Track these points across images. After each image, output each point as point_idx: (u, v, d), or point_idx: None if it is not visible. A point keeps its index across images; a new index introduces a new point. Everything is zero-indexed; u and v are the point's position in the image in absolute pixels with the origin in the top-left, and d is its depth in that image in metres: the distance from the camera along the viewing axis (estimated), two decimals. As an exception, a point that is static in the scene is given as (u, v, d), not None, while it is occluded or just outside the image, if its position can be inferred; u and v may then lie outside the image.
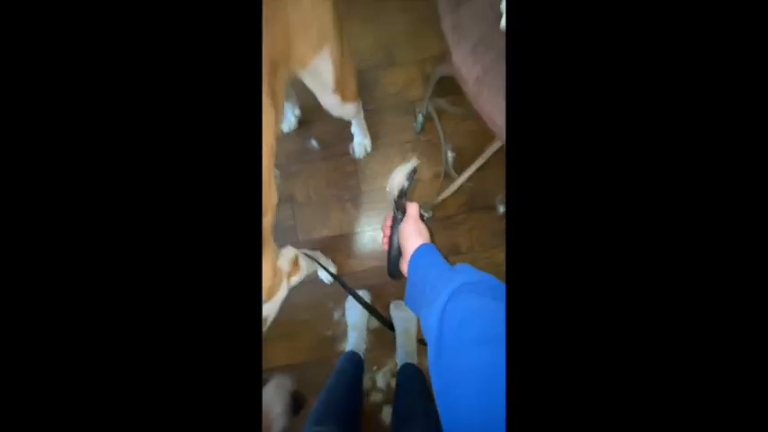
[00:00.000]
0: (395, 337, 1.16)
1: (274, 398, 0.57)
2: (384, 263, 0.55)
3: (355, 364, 1.04)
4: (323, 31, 0.67)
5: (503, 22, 0.60)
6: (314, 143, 1.20)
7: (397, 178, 0.55)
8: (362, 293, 1.17)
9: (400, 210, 0.54)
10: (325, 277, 1.15)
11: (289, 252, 0.80)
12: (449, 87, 0.93)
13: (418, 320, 1.15)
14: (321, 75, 0.74)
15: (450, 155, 1.17)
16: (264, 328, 0.77)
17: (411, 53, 1.21)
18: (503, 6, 0.60)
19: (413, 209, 0.54)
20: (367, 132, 1.15)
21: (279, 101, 0.62)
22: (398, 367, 1.10)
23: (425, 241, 0.51)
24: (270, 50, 0.58)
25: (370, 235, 1.21)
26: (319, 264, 0.86)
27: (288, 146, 1.19)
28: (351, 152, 1.19)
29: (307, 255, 0.88)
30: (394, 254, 0.53)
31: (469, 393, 0.31)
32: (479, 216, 1.19)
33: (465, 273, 0.43)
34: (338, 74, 0.75)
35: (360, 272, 1.20)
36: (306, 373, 1.20)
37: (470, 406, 0.30)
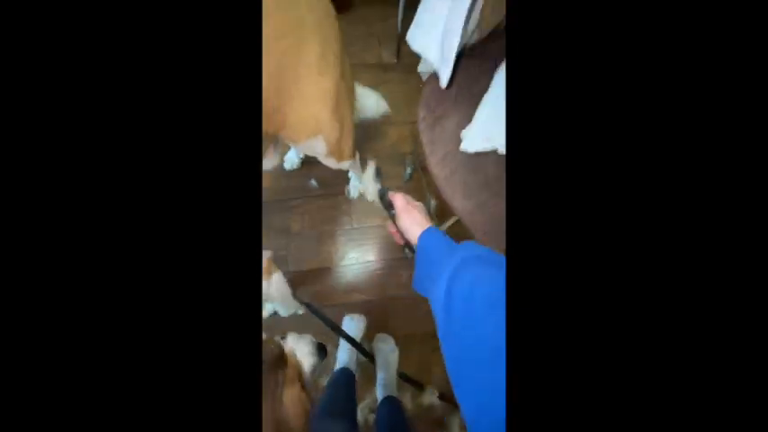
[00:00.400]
0: (375, 371, 1.17)
1: (299, 342, 0.59)
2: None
3: (347, 375, 1.04)
4: (319, 125, 0.77)
5: (462, 145, 0.78)
6: (313, 182, 1.32)
7: (370, 186, 0.61)
8: (357, 318, 1.20)
9: (390, 208, 0.57)
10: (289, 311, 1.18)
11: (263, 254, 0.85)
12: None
13: (398, 355, 1.17)
14: (314, 149, 0.85)
15: (432, 203, 1.31)
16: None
17: (405, 115, 1.41)
18: (462, 133, 0.78)
19: (399, 200, 0.56)
20: (362, 177, 1.29)
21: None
22: (378, 402, 1.09)
23: (424, 226, 0.53)
24: (264, 125, 0.67)
25: (357, 268, 1.27)
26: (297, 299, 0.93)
27: (289, 182, 1.31)
28: (346, 193, 1.31)
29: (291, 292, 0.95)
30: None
31: (482, 360, 0.30)
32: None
33: (469, 248, 0.43)
34: (333, 147, 0.85)
35: (346, 304, 1.24)
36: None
37: (483, 375, 0.29)
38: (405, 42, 1.43)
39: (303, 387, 0.56)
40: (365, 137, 1.37)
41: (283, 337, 0.62)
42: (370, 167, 0.63)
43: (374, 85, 1.43)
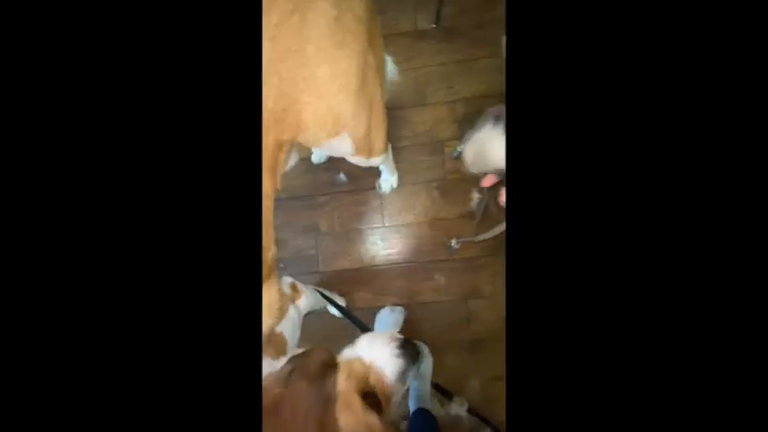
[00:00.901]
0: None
1: (374, 342, 0.48)
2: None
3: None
4: (340, 121, 0.61)
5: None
6: (342, 176, 1.23)
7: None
8: (398, 310, 1.15)
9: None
10: (335, 312, 1.15)
11: (285, 280, 0.83)
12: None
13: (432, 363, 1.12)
14: (338, 149, 0.70)
15: (480, 200, 1.15)
16: (285, 348, 0.76)
17: (442, 94, 1.22)
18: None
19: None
20: (394, 170, 1.16)
21: (278, 172, 0.60)
22: (410, 413, 1.06)
23: None
24: (276, 133, 0.54)
25: (389, 270, 1.20)
26: (325, 296, 0.87)
27: (316, 177, 1.23)
28: (377, 187, 1.20)
29: (318, 291, 0.89)
30: None
31: None
32: (503, 261, 1.16)
33: None
34: (360, 144, 0.70)
35: (377, 307, 1.19)
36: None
37: None
38: (445, 3, 1.20)
39: (380, 409, 0.44)
40: (393, 124, 1.22)
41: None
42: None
43: (406, 59, 1.24)
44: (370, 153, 0.77)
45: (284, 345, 0.74)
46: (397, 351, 0.49)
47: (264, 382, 0.42)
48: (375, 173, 1.20)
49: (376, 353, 0.48)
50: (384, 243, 1.21)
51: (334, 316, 1.16)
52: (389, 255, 1.20)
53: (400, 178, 1.19)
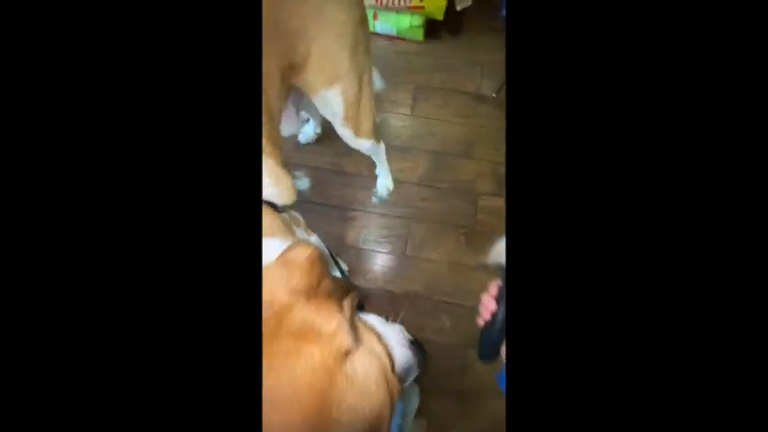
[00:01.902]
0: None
1: (385, 326, 0.44)
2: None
3: None
4: (336, 70, 0.72)
5: None
6: (376, 199, 1.28)
7: (499, 248, 0.53)
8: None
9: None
10: (337, 275, 1.12)
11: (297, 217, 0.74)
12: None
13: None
14: (331, 105, 0.79)
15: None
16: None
17: (488, 153, 1.33)
18: None
19: None
20: (389, 173, 1.24)
21: (276, 106, 0.66)
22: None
23: None
24: (283, 66, 0.64)
25: (401, 298, 1.21)
26: (332, 256, 0.83)
27: (354, 193, 1.28)
28: (374, 194, 1.26)
29: (327, 249, 0.86)
30: (496, 331, 0.47)
31: None
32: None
33: None
34: (350, 110, 0.79)
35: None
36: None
37: None
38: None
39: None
40: (437, 166, 1.31)
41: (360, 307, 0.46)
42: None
43: (465, 115, 1.37)
44: (357, 128, 0.86)
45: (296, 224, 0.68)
46: (408, 343, 0.49)
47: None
48: (408, 203, 1.26)
49: (388, 336, 0.46)
50: (401, 271, 1.23)
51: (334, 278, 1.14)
52: (403, 283, 1.22)
53: (431, 218, 1.25)
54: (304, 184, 1.27)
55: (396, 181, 1.29)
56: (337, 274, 1.11)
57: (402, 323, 0.97)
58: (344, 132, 0.88)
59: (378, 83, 1.08)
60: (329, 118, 0.85)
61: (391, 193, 1.27)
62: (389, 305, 1.20)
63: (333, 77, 0.73)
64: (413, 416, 1.11)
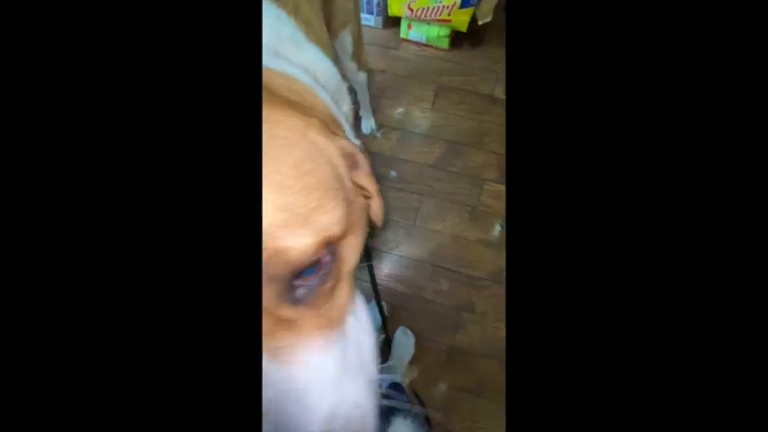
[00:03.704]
0: (389, 359, 1.23)
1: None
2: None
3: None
4: (348, 15, 0.95)
5: None
6: (393, 173, 1.46)
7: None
8: (410, 334, 1.29)
9: None
10: None
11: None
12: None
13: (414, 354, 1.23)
14: (345, 45, 1.01)
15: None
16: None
17: (496, 146, 1.50)
18: None
19: None
20: (372, 115, 1.47)
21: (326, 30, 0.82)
22: (383, 388, 1.14)
23: None
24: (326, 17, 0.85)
25: (406, 261, 1.37)
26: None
27: (374, 169, 1.47)
28: (363, 128, 1.49)
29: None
30: None
31: None
32: (503, 290, 1.32)
33: None
34: (356, 46, 1.02)
35: (382, 287, 1.33)
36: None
37: None
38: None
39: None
40: (450, 153, 1.49)
41: None
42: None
43: (478, 112, 1.56)
44: (359, 61, 1.09)
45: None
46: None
47: None
48: (422, 181, 1.44)
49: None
50: (409, 238, 1.39)
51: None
52: (410, 249, 1.38)
53: (439, 196, 1.43)
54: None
55: (413, 163, 1.48)
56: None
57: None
58: (351, 66, 1.10)
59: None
60: (341, 56, 1.07)
61: (373, 131, 1.50)
62: (392, 267, 1.36)
63: (345, 20, 0.93)
64: (406, 362, 1.24)
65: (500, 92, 1.58)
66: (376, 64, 1.62)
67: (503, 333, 1.28)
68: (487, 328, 1.30)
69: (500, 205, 1.41)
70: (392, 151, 1.50)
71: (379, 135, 1.51)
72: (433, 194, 1.44)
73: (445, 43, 1.61)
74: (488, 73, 1.60)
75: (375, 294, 0.95)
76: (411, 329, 1.28)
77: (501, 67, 1.61)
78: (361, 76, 1.21)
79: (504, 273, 1.32)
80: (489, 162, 1.49)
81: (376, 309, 1.21)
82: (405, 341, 1.26)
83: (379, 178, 1.43)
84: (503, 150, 1.50)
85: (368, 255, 0.99)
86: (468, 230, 1.39)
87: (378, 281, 1.35)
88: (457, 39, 1.63)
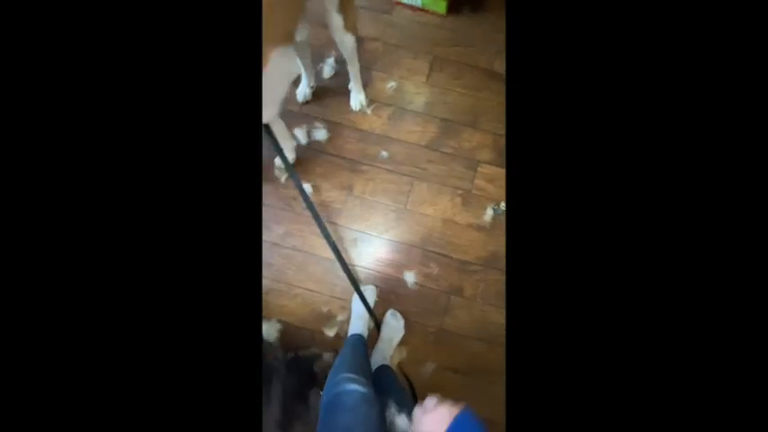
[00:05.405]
0: (377, 341, 1.27)
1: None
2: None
3: (364, 344, 1.14)
4: None
5: None
6: (385, 154, 1.41)
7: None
8: (370, 288, 1.30)
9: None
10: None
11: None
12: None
13: (402, 336, 1.26)
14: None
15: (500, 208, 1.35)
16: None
17: (492, 125, 1.44)
18: None
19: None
20: (362, 89, 1.41)
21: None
22: (373, 369, 1.19)
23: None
24: None
25: (397, 245, 1.36)
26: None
27: (366, 148, 1.41)
28: (352, 105, 1.43)
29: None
30: None
31: None
32: (493, 274, 1.34)
33: None
34: (343, 1, 1.00)
35: (373, 271, 1.34)
36: (288, 333, 1.31)
37: None
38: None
39: None
40: (445, 132, 1.43)
41: None
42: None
43: (476, 89, 1.47)
44: (346, 19, 1.06)
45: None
46: None
47: None
48: (414, 163, 1.39)
49: None
50: (400, 221, 1.38)
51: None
52: (401, 232, 1.37)
53: (433, 178, 1.39)
54: (322, 135, 1.41)
55: (405, 143, 1.43)
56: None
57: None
58: (337, 21, 1.06)
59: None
60: (327, 6, 1.02)
61: (363, 107, 1.44)
62: (384, 251, 1.36)
63: None
64: (396, 343, 1.28)
65: (500, 65, 1.48)
66: (366, 31, 1.50)
67: (491, 316, 1.32)
68: (475, 311, 1.33)
69: (493, 189, 1.39)
70: (383, 130, 1.44)
71: (369, 111, 1.44)
72: (425, 177, 1.40)
73: (442, 8, 1.49)
74: (488, 44, 1.49)
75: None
76: (400, 312, 1.31)
77: (502, 37, 1.50)
78: (349, 39, 1.15)
79: (493, 258, 1.33)
80: (485, 142, 1.43)
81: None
82: (394, 323, 1.29)
83: (369, 159, 1.39)
84: (499, 130, 1.44)
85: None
86: (459, 215, 1.38)
87: (367, 265, 1.36)
88: (455, 3, 1.50)
